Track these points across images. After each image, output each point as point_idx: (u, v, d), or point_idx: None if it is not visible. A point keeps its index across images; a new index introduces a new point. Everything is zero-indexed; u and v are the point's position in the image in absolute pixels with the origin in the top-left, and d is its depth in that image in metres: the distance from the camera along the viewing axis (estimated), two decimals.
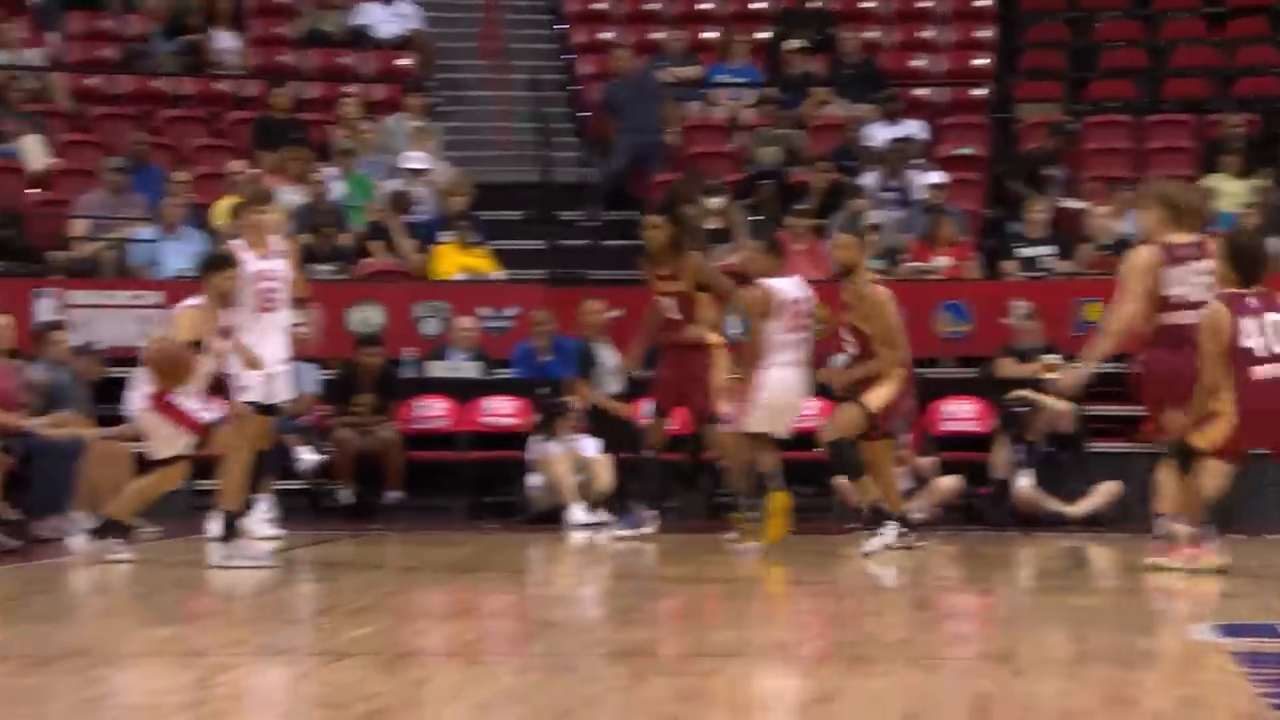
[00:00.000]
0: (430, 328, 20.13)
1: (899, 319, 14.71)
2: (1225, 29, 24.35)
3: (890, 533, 14.30)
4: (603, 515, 17.31)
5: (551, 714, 7.65)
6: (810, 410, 18.84)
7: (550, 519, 17.77)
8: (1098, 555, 15.67)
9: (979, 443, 18.64)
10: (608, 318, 18.50)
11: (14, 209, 21.05)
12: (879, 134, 22.36)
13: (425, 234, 21.09)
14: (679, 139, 22.81)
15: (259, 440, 13.96)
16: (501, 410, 19.38)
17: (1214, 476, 12.50)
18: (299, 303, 14.82)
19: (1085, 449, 18.53)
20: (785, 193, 21.65)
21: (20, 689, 8.33)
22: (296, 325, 14.95)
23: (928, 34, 24.81)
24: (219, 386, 13.69)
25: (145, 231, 20.42)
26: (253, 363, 13.70)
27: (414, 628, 10.92)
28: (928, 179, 21.27)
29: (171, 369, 13.38)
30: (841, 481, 17.89)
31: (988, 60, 24.37)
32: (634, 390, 17.80)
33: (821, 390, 16.24)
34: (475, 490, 19.30)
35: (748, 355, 15.01)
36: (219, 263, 13.79)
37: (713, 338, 15.70)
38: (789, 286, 15.09)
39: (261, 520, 15.56)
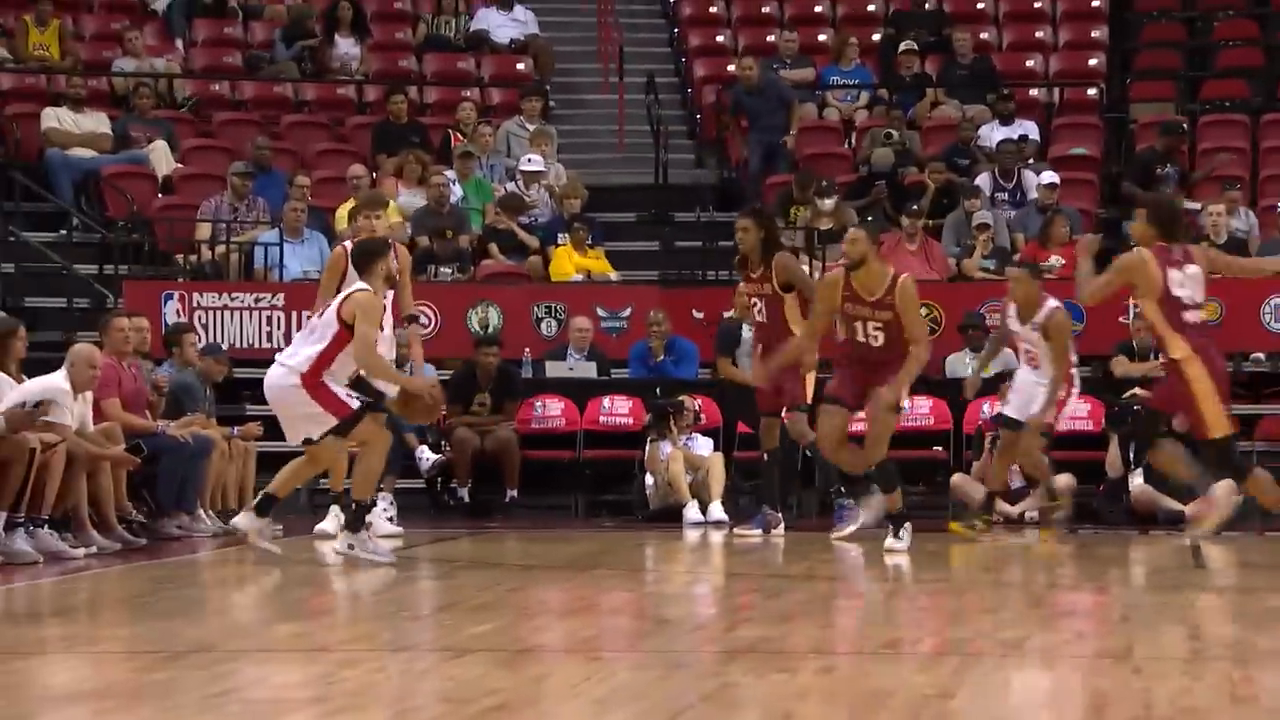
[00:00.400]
0: (547, 328, 20.18)
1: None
2: None
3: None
4: (718, 513, 17.31)
5: (668, 710, 7.65)
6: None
7: (666, 517, 17.77)
8: (1213, 554, 15.52)
9: (1093, 441, 18.52)
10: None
11: (142, 214, 21.23)
12: (992, 134, 22.28)
13: (543, 236, 21.14)
14: (793, 140, 22.77)
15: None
16: (618, 410, 19.40)
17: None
18: (409, 319, 14.87)
19: (1200, 447, 18.35)
20: (898, 193, 21.59)
21: (150, 684, 8.39)
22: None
23: (1040, 34, 24.70)
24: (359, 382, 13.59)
25: (268, 235, 20.55)
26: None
27: (533, 624, 10.94)
28: (1041, 179, 21.17)
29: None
30: (956, 479, 17.89)
31: (1100, 60, 24.23)
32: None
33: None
34: (592, 489, 19.35)
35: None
36: (379, 247, 13.79)
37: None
38: None
39: (382, 517, 15.63)
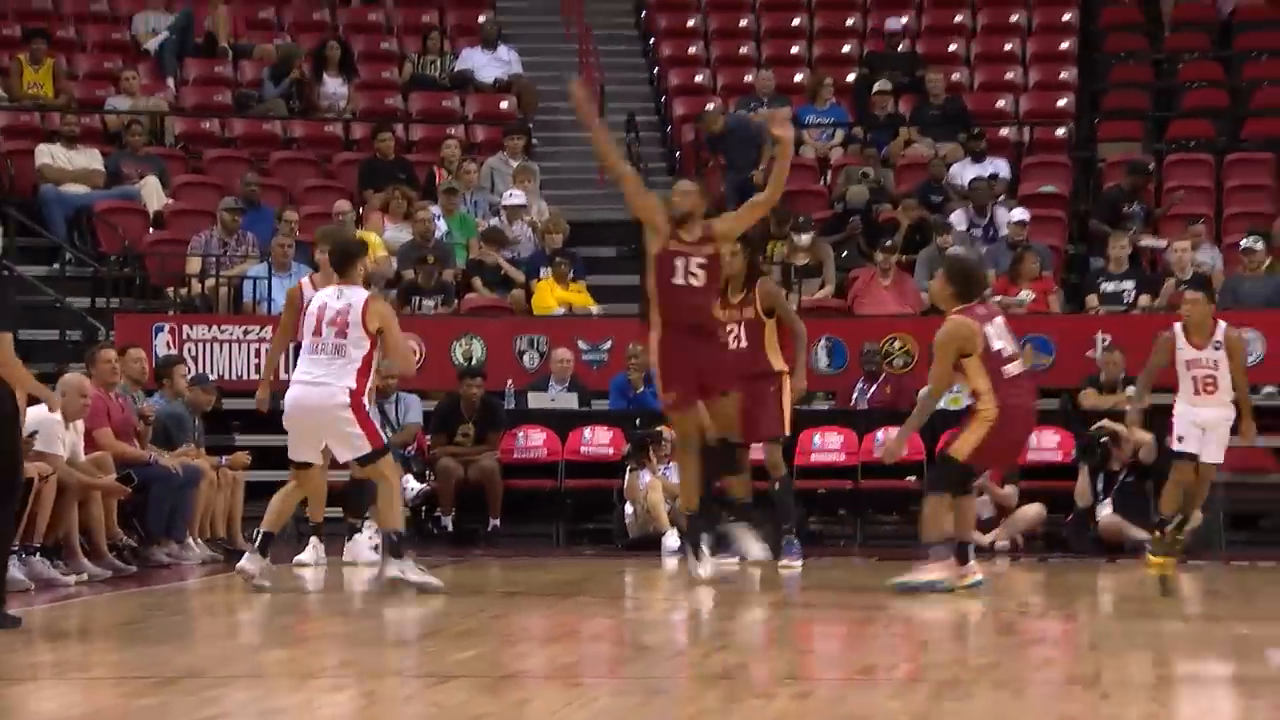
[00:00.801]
0: (530, 361, 20.19)
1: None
2: None
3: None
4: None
5: None
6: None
7: (645, 545, 17.76)
8: (1179, 582, 15.55)
9: (1062, 471, 18.55)
10: None
11: (134, 248, 21.23)
12: (964, 172, 22.32)
13: (525, 270, 21.16)
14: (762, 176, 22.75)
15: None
16: (598, 440, 19.41)
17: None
18: None
19: (1166, 478, 18.38)
20: (873, 229, 21.63)
21: (139, 709, 8.37)
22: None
23: (1011, 75, 24.76)
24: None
25: (257, 269, 20.55)
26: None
27: (515, 650, 10.93)
28: (1012, 216, 21.22)
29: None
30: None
31: (1069, 100, 24.30)
32: None
33: None
34: (573, 518, 19.37)
35: None
36: (357, 248, 13.97)
37: (779, 363, 15.52)
38: None
39: (367, 545, 15.62)
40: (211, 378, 18.57)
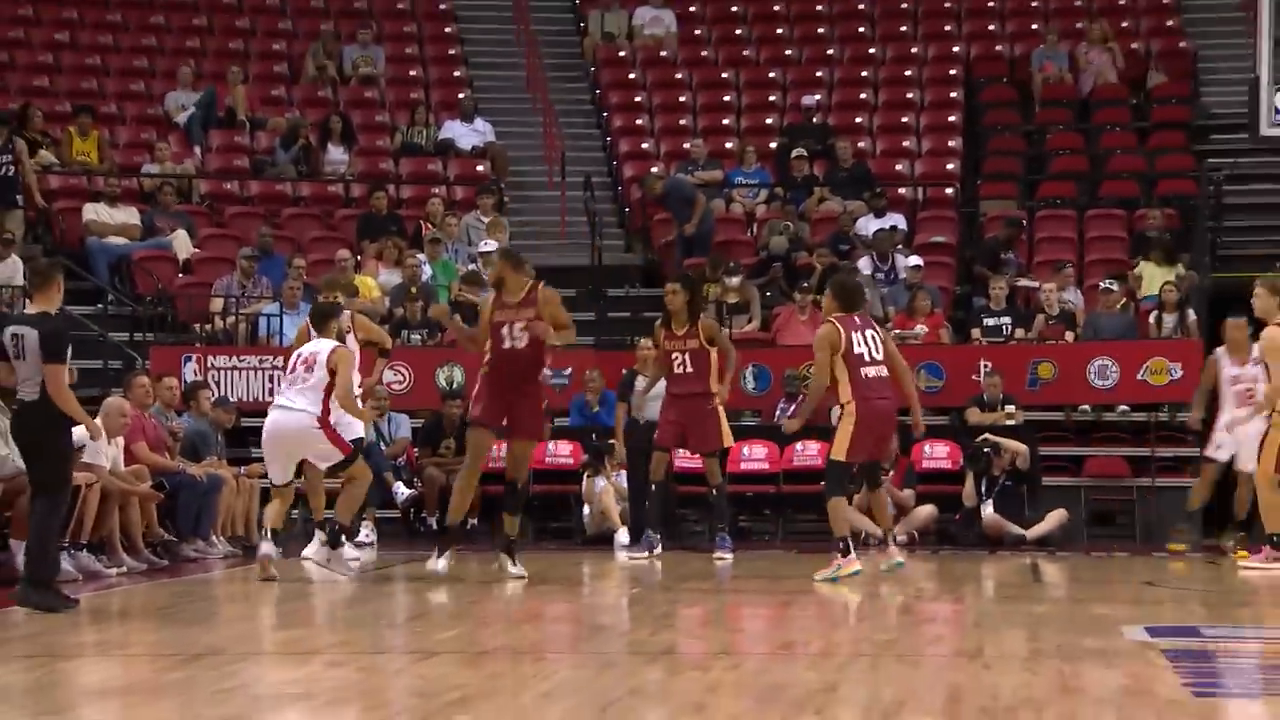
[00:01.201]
0: None
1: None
2: (1149, 140, 24.34)
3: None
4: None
5: (600, 702, 7.63)
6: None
7: (600, 541, 17.74)
8: (1049, 570, 15.60)
9: (951, 477, 18.59)
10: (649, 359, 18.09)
11: (166, 290, 21.15)
12: (869, 225, 22.36)
13: None
14: (691, 229, 22.65)
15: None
16: (560, 452, 19.35)
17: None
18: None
19: (1038, 483, 18.47)
20: (791, 273, 21.66)
21: (170, 682, 8.34)
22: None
23: (907, 143, 24.82)
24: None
25: (270, 308, 20.48)
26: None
27: (490, 631, 10.90)
28: (908, 262, 21.26)
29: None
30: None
31: (956, 164, 24.38)
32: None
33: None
34: (538, 518, 19.30)
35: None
36: (330, 310, 14.06)
37: (716, 386, 15.56)
38: None
39: (366, 542, 15.57)
40: (231, 400, 18.49)
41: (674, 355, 15.48)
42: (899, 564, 13.80)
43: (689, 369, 15.40)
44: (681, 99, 25.73)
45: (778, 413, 19.69)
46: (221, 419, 17.35)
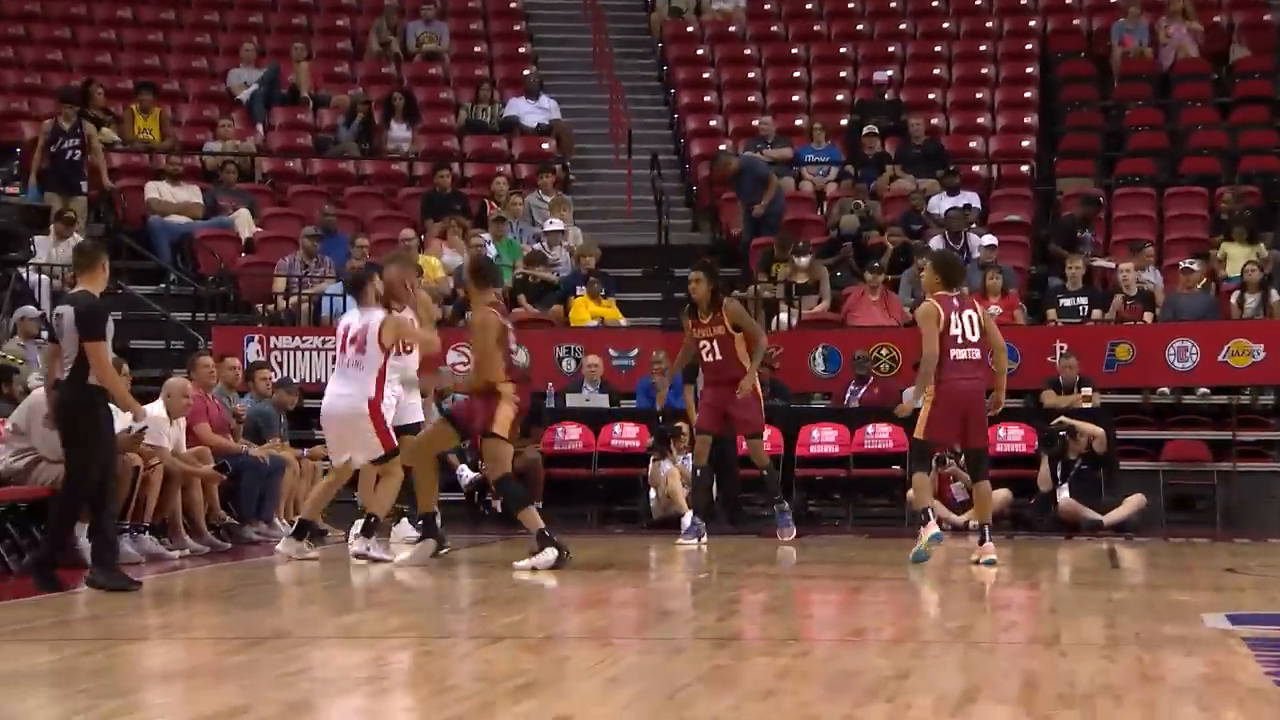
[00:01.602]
0: (567, 366, 20.18)
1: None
2: (1231, 116, 24.16)
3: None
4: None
5: (668, 689, 7.64)
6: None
7: (666, 525, 17.75)
8: (1127, 556, 15.53)
9: (1026, 461, 18.51)
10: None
11: (228, 270, 21.27)
12: (941, 204, 22.28)
13: (563, 288, 21.17)
14: (762, 210, 22.61)
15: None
16: (626, 435, 19.37)
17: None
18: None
19: (1116, 467, 18.38)
20: (862, 253, 21.61)
21: (235, 665, 8.40)
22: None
23: (981, 120, 24.72)
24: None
25: (334, 287, 20.57)
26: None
27: (555, 615, 10.93)
28: (982, 241, 21.18)
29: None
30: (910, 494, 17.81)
31: (1031, 142, 24.26)
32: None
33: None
34: (604, 501, 19.34)
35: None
36: (362, 275, 14.26)
37: (749, 367, 15.49)
38: None
39: (410, 527, 15.45)
40: (295, 381, 18.59)
41: (702, 344, 15.41)
42: (991, 560, 13.60)
43: (718, 355, 15.36)
44: (750, 75, 25.68)
45: (848, 394, 19.67)
46: (284, 400, 17.42)
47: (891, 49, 25.64)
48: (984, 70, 25.33)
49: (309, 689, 7.73)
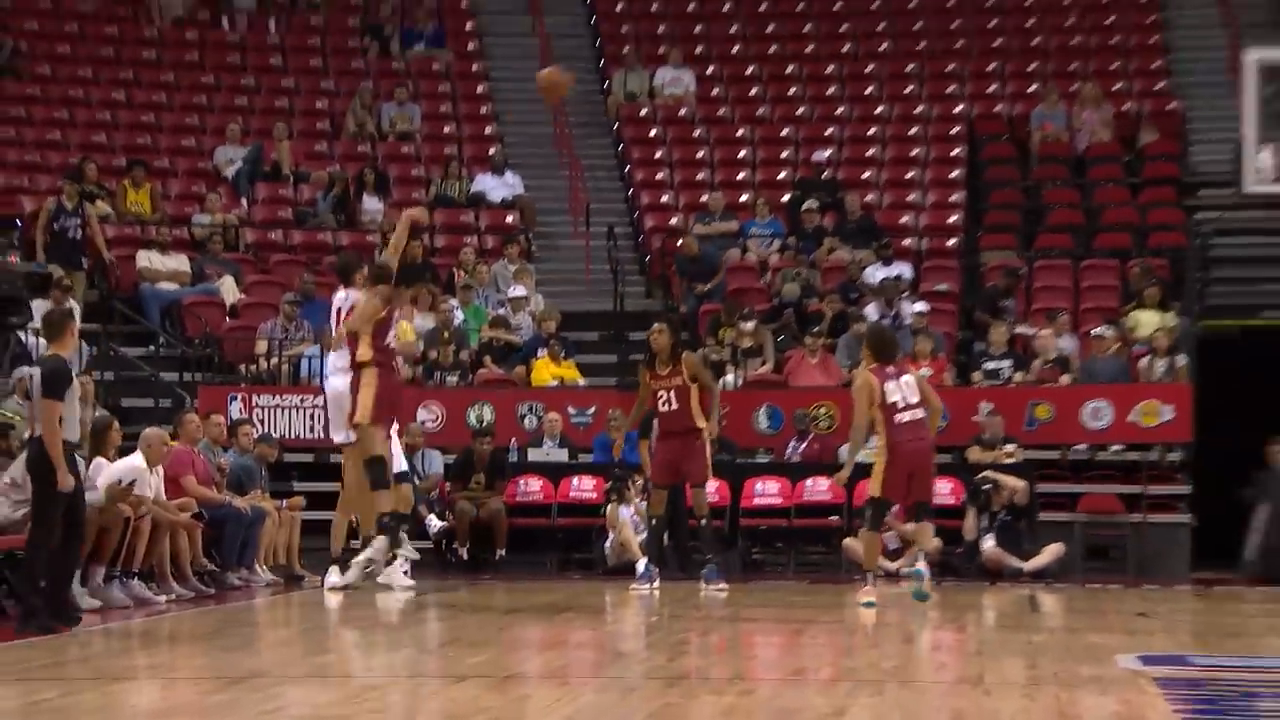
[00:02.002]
0: (529, 423, 20.15)
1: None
2: (1140, 195, 24.32)
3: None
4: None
5: None
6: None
7: (621, 572, 17.70)
8: (1046, 601, 15.55)
9: (953, 512, 18.53)
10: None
11: (214, 333, 21.21)
12: (876, 274, 22.33)
13: (526, 351, 21.15)
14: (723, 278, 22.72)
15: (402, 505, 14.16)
16: (584, 487, 19.33)
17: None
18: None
19: (1036, 518, 18.42)
20: (803, 319, 21.65)
21: (215, 704, 8.33)
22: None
23: (912, 197, 24.83)
24: None
25: (311, 349, 20.51)
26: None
27: (517, 656, 10.89)
28: (914, 308, 21.24)
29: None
30: (848, 541, 17.81)
31: (959, 217, 24.37)
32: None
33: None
34: (563, 549, 19.29)
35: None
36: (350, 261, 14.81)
37: (702, 422, 15.47)
38: None
39: (400, 571, 15.47)
40: (275, 436, 18.52)
41: (659, 394, 15.35)
42: (923, 592, 13.78)
43: (674, 405, 15.30)
44: (699, 154, 25.76)
45: (789, 450, 19.69)
46: (265, 454, 17.37)
47: (829, 131, 25.75)
48: (914, 151, 25.46)
49: None
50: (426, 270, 22.52)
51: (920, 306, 21.26)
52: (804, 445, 19.65)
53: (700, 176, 25.36)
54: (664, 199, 25.04)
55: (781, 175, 25.29)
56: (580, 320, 22.37)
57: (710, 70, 26.91)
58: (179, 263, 22.30)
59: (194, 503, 15.35)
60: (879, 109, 26.13)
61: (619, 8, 27.91)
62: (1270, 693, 9.03)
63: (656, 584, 15.47)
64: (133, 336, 21.57)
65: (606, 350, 21.94)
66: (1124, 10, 26.88)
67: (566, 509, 19.21)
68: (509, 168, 25.14)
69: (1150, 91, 25.94)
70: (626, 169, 25.79)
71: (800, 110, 26.27)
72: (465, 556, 18.74)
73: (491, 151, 25.41)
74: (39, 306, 20.04)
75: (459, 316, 21.48)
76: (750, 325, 21.00)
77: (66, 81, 25.91)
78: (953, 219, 24.33)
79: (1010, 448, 18.90)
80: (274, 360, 20.63)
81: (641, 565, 15.80)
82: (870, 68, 26.72)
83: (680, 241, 23.08)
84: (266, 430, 18.77)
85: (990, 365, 20.44)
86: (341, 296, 14.54)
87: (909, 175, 25.13)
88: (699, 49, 27.07)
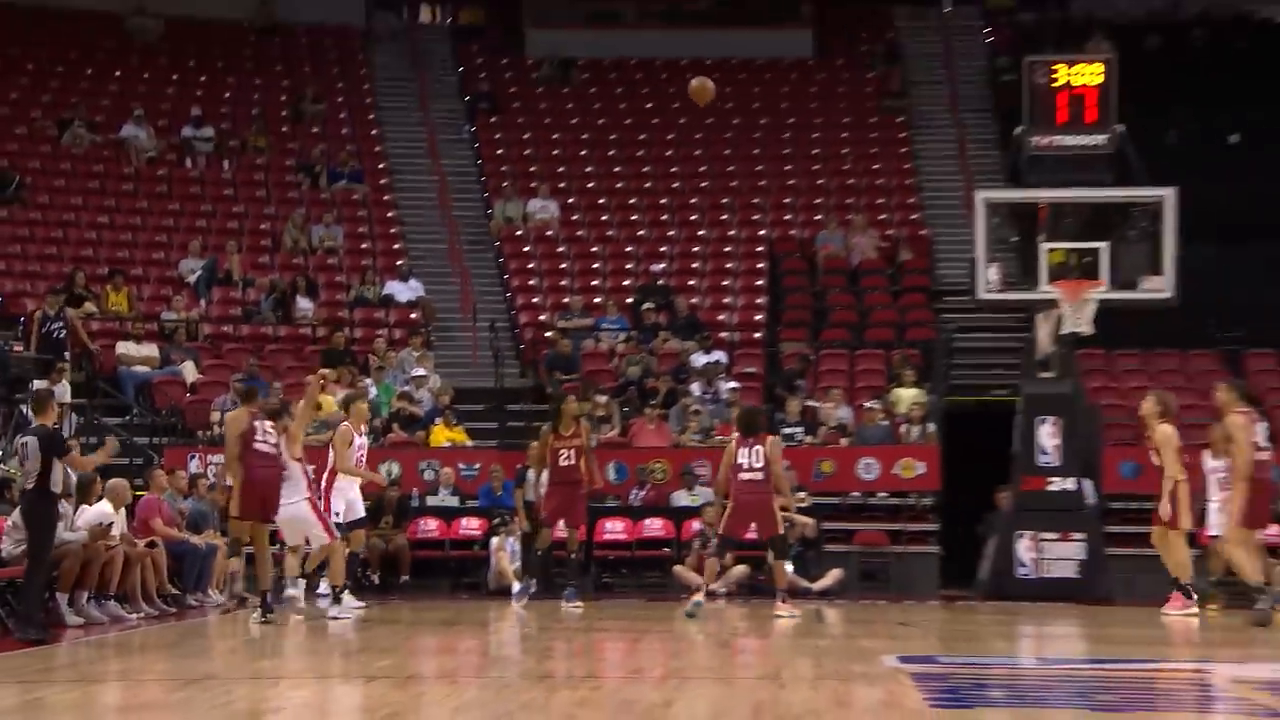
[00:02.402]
0: (429, 475, 20.02)
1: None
2: (900, 300, 24.72)
3: None
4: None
5: (499, 715, 7.58)
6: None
7: (501, 593, 17.60)
8: (829, 614, 15.67)
9: (759, 545, 18.52)
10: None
11: (177, 406, 20.89)
12: (699, 359, 22.49)
13: (426, 419, 21.02)
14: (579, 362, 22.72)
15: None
16: (471, 526, 19.25)
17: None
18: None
19: (822, 548, 18.59)
20: (643, 394, 21.74)
21: (174, 701, 8.19)
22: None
23: (727, 300, 25.06)
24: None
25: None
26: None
27: (416, 660, 10.80)
28: (728, 386, 21.42)
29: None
30: (677, 568, 17.83)
31: (763, 315, 24.62)
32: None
33: None
34: (455, 575, 19.15)
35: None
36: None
37: (586, 476, 15.51)
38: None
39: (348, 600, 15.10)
40: (225, 486, 18.21)
41: (562, 452, 15.37)
42: (794, 615, 14.01)
43: (572, 461, 15.36)
44: (562, 265, 25.85)
45: (632, 496, 19.76)
46: (217, 500, 17.10)
47: (663, 248, 25.98)
48: (729, 264, 25.72)
49: (231, 718, 7.56)
50: (347, 355, 22.37)
51: (733, 385, 21.44)
52: (643, 492, 19.72)
53: (564, 283, 25.43)
54: (534, 300, 25.08)
55: (627, 282, 25.42)
56: (469, 395, 22.30)
57: (571, 200, 27.07)
58: (150, 350, 21.96)
59: (160, 539, 15.08)
60: (701, 231, 26.43)
61: (499, 152, 28.06)
62: (996, 683, 9.19)
63: (532, 590, 15.50)
64: (112, 409, 21.19)
65: (490, 419, 21.88)
66: (886, 159, 27.52)
67: (457, 543, 19.13)
68: (413, 275, 25.06)
69: (907, 220, 26.49)
70: (505, 277, 25.82)
71: (641, 232, 26.50)
72: (376, 581, 18.54)
73: (399, 263, 25.32)
74: (38, 385, 19.66)
75: (373, 392, 21.32)
76: (602, 399, 21.05)
77: (61, 208, 25.52)
78: (758, 316, 24.58)
79: (802, 494, 19.07)
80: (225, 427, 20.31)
81: (517, 586, 15.75)
82: (694, 200, 27.05)
83: (558, 343, 23.10)
84: (217, 482, 18.46)
85: (787, 430, 20.62)
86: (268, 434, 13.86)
87: (724, 283, 25.38)
88: (562, 184, 27.24)
